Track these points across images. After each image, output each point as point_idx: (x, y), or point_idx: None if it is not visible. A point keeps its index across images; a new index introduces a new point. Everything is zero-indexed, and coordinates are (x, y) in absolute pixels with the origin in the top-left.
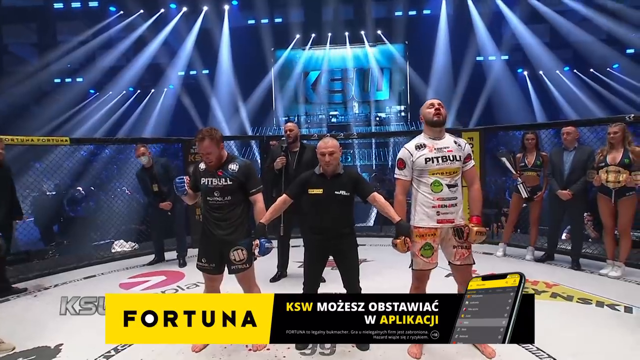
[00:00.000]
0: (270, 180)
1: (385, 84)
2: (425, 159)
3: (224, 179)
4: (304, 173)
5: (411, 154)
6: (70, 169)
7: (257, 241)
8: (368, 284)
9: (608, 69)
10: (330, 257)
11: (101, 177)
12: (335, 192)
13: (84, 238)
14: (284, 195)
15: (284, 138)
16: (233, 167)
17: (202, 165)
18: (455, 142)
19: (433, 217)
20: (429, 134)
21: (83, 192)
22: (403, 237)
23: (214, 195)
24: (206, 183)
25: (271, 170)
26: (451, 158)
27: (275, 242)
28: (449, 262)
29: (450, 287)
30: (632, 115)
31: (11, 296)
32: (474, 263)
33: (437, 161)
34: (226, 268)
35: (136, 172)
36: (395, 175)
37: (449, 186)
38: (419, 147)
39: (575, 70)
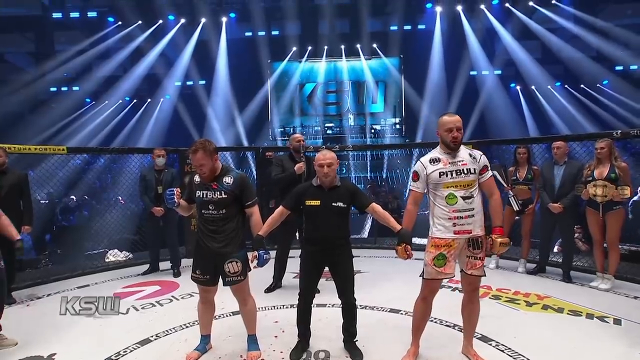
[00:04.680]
0: (281, 189)
1: (381, 96)
2: (440, 173)
3: (218, 192)
4: (300, 185)
5: (425, 168)
6: (63, 178)
7: (256, 253)
8: (363, 295)
9: (598, 85)
10: (326, 269)
11: (95, 187)
12: (333, 204)
13: (78, 247)
14: (281, 207)
15: (300, 146)
16: (228, 180)
17: (197, 178)
18: (470, 155)
19: (450, 229)
20: (444, 148)
21: (76, 201)
22: (404, 244)
23: (209, 208)
24: (201, 196)
25: (287, 177)
26: (465, 171)
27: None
28: (461, 270)
29: (444, 298)
30: (620, 131)
31: None
32: (485, 275)
33: (452, 175)
34: (220, 279)
35: (141, 172)
36: (409, 187)
37: (464, 198)
38: (434, 161)
39: (566, 86)
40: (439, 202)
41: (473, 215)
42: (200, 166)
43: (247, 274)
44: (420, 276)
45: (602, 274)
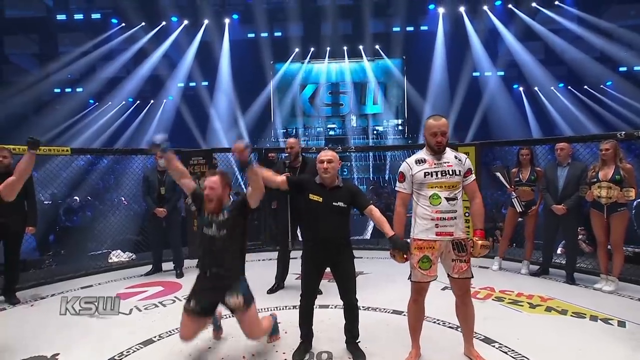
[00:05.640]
0: (274, 195)
1: (383, 97)
2: (425, 173)
3: (222, 215)
4: (307, 175)
5: (410, 168)
6: (67, 179)
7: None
8: (365, 297)
9: (602, 86)
10: (327, 270)
11: (98, 187)
12: (333, 203)
13: (81, 248)
14: (285, 176)
15: (287, 154)
16: (229, 205)
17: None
18: (456, 157)
19: (432, 230)
20: (429, 150)
21: (80, 201)
22: (398, 251)
23: (212, 227)
24: (205, 215)
25: (273, 191)
26: (450, 172)
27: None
28: (448, 274)
29: (446, 299)
30: (624, 132)
31: (7, 306)
32: (473, 277)
33: (437, 175)
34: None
35: (145, 173)
36: (396, 188)
37: (448, 199)
38: (419, 161)
39: (569, 87)
40: (422, 202)
41: (455, 218)
42: (211, 189)
43: (253, 302)
44: (408, 279)
45: (606, 276)
